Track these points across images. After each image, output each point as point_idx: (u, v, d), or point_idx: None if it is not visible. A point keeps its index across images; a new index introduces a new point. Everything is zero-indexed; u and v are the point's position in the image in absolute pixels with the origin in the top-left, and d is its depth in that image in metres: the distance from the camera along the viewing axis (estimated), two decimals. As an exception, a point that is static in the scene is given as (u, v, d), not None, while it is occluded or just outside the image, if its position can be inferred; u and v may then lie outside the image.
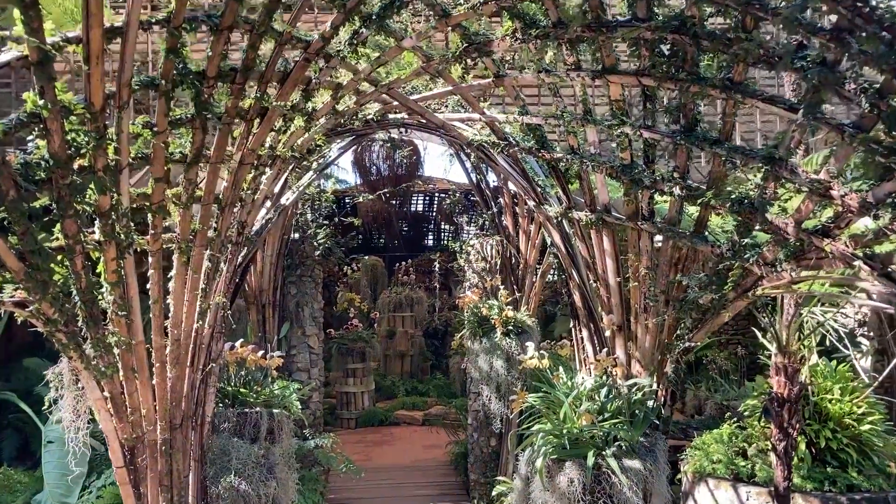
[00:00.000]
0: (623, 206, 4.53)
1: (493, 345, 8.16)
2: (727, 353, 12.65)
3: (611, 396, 4.87)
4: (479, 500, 8.69)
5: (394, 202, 24.18)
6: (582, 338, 5.49)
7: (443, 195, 26.29)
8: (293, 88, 4.10)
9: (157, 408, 4.31)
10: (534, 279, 8.62)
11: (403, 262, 16.86)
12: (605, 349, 5.06)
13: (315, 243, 8.30)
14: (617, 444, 4.60)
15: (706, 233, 4.12)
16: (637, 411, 4.75)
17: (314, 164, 5.36)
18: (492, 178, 9.01)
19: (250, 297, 8.02)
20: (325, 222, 8.33)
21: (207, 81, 3.43)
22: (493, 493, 8.16)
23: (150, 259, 3.88)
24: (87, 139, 2.88)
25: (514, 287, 8.71)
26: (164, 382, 4.28)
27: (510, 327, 8.14)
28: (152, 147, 3.41)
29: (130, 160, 3.34)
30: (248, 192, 4.65)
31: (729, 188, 3.75)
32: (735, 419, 7.10)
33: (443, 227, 26.76)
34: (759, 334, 9.25)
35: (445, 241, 26.85)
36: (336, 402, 13.39)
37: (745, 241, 3.74)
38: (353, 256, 16.31)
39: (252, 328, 8.42)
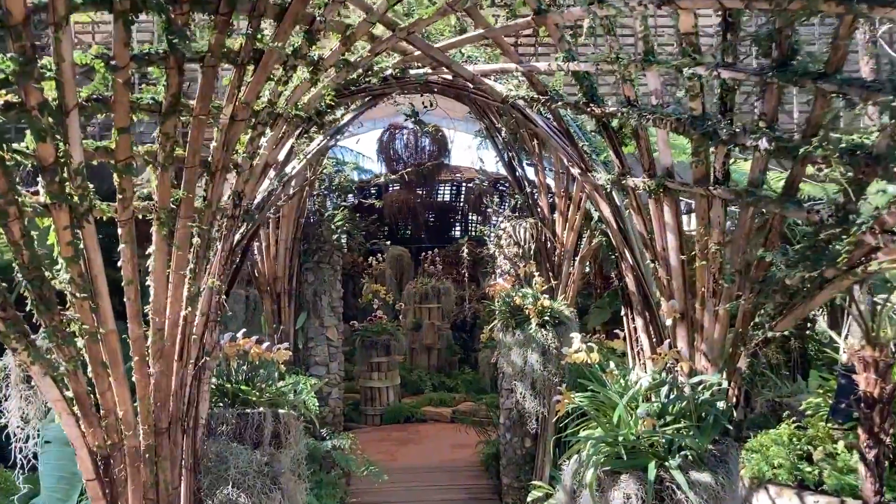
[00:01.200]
0: (692, 169, 3.75)
1: (528, 337, 7.42)
2: (776, 345, 11.81)
3: (673, 397, 4.10)
4: (512, 506, 7.98)
5: (420, 192, 23.54)
6: (635, 328, 4.72)
7: (470, 184, 25.62)
8: (292, 26, 3.39)
9: (137, 409, 3.67)
10: (571, 266, 7.85)
11: (430, 252, 16.14)
12: (667, 341, 4.29)
13: (333, 226, 7.63)
14: (682, 453, 3.84)
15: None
16: (705, 414, 3.98)
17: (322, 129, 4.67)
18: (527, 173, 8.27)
19: (263, 284, 7.38)
20: (344, 203, 7.65)
21: (180, 5, 2.74)
22: (529, 499, 7.43)
23: (119, 231, 3.21)
24: (9, 64, 2.21)
25: (550, 274, 7.94)
26: (145, 379, 3.62)
27: (546, 318, 7.39)
28: (112, 88, 2.73)
29: (81, 101, 2.67)
30: (245, 156, 3.97)
31: (837, 135, 2.96)
32: (794, 419, 6.29)
33: (470, 217, 26.06)
34: (822, 324, 8.38)
35: (473, 232, 26.20)
36: (360, 398, 12.76)
37: (856, 203, 2.95)
38: (374, 241, 15.64)
39: (266, 319, 7.79)
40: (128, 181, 3.08)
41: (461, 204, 25.39)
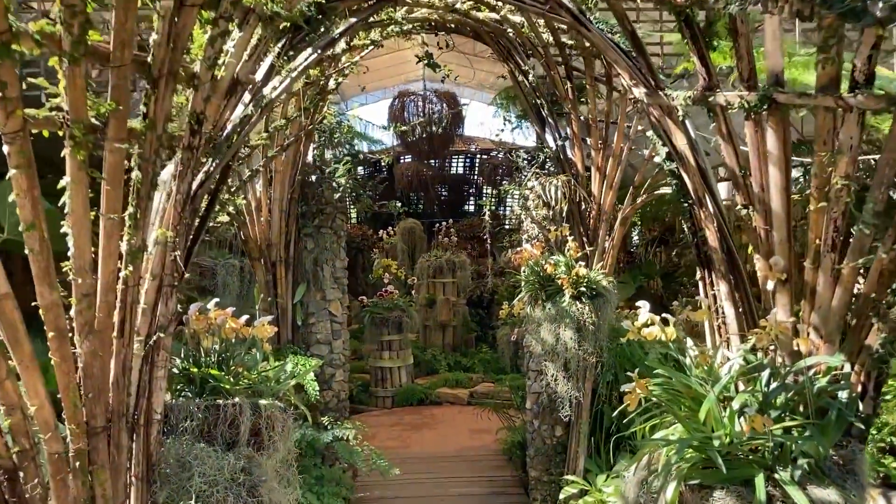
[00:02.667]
0: (817, 71, 2.69)
1: (560, 311, 6.41)
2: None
3: (776, 385, 3.08)
4: (541, 502, 7.03)
5: (432, 163, 22.52)
6: (714, 296, 3.68)
7: (484, 156, 24.56)
8: None
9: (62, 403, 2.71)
10: (610, 229, 6.81)
11: (444, 223, 15.11)
12: (774, 311, 3.25)
13: (334, 184, 6.62)
14: (800, 462, 2.83)
15: None
16: (826, 408, 2.96)
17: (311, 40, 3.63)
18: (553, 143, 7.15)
19: (254, 251, 6.39)
20: (347, 157, 6.61)
21: None
22: (561, 496, 6.49)
23: (6, 150, 2.22)
24: None
25: (584, 240, 6.91)
26: (67, 363, 2.65)
27: (581, 289, 6.37)
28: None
29: None
30: (204, 62, 2.95)
31: None
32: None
33: (485, 190, 25.04)
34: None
35: (484, 214, 25.15)
36: (370, 379, 11.85)
37: None
38: (382, 203, 14.58)
39: (260, 291, 6.82)
40: (9, 71, 2.07)
41: (475, 177, 24.36)
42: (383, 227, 17.85)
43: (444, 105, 20.66)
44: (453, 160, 24.18)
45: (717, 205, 3.48)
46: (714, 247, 3.53)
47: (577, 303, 6.39)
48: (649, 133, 6.55)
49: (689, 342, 3.50)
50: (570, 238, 6.53)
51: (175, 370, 3.59)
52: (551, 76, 6.79)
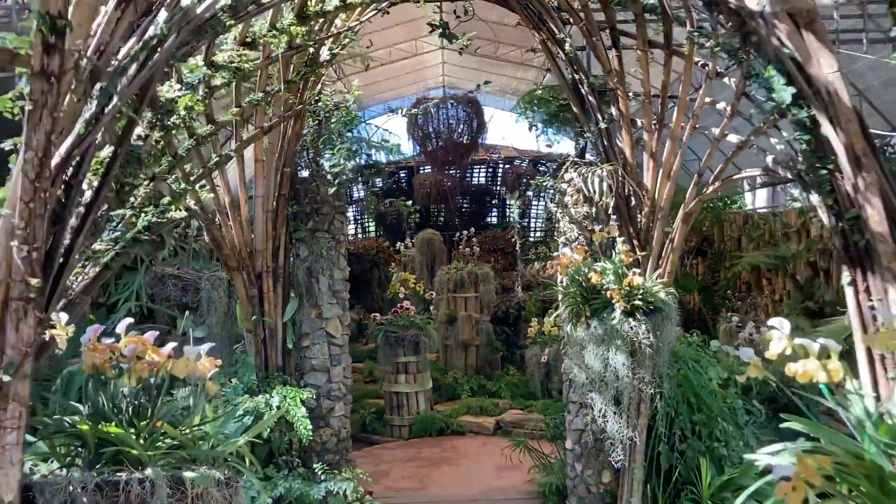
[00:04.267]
0: None
1: (610, 330, 5.16)
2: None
3: None
4: (587, 565, 5.74)
5: (453, 173, 21.47)
6: (872, 306, 2.42)
7: (507, 165, 23.46)
8: None
9: None
10: (668, 227, 5.56)
11: (465, 231, 13.89)
12: None
13: (329, 175, 5.44)
14: None
15: None
16: None
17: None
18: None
19: (231, 259, 5.23)
20: (343, 143, 5.42)
21: None
22: (613, 560, 5.20)
23: None
24: None
25: (635, 242, 5.66)
26: None
27: (636, 302, 5.12)
28: None
29: None
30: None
31: None
32: None
33: (508, 202, 23.96)
34: None
35: (510, 218, 23.98)
36: (384, 405, 10.61)
37: None
38: (390, 201, 13.39)
39: (243, 308, 5.65)
40: None
41: (498, 187, 23.24)
42: (400, 239, 16.75)
43: (465, 111, 19.59)
44: (475, 170, 23.10)
45: (882, 169, 2.23)
46: (879, 232, 2.27)
47: (631, 319, 5.13)
48: (721, 104, 5.32)
49: (850, 384, 2.23)
50: (619, 240, 5.28)
51: (46, 421, 2.40)
52: (592, 44, 5.59)
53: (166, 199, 3.71)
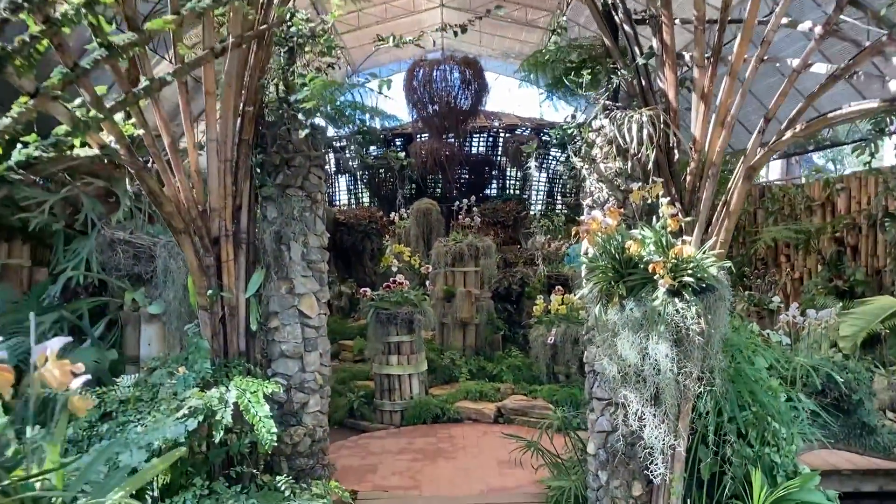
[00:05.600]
0: None
1: (649, 313, 4.12)
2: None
3: None
4: None
5: (451, 141, 20.35)
6: None
7: (509, 134, 22.43)
8: None
9: None
10: (728, 189, 4.49)
11: (465, 200, 12.79)
12: None
13: (300, 115, 4.30)
14: None
15: None
16: None
17: None
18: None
19: (175, 219, 4.12)
20: (316, 73, 4.27)
21: None
22: None
23: None
24: None
25: (678, 205, 4.60)
26: None
27: (687, 279, 4.07)
28: None
29: None
30: None
31: None
32: None
33: (508, 172, 22.96)
34: None
35: (511, 190, 22.93)
36: (374, 389, 9.63)
37: None
38: (380, 157, 12.29)
39: (195, 281, 4.59)
40: None
41: (498, 157, 22.17)
42: (395, 209, 15.70)
43: (467, 73, 18.35)
44: (474, 138, 21.99)
45: None
46: None
47: (677, 300, 4.09)
48: (804, 24, 4.21)
49: None
50: (664, 200, 4.21)
51: None
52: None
53: (63, 129, 2.65)
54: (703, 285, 4.15)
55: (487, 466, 7.48)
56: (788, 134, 4.04)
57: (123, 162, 3.43)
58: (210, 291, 4.52)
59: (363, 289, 10.12)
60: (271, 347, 4.85)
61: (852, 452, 6.35)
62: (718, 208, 4.46)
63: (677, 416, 4.42)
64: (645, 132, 4.49)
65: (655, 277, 4.11)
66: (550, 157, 22.43)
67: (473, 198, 13.55)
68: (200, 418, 4.01)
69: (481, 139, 22.33)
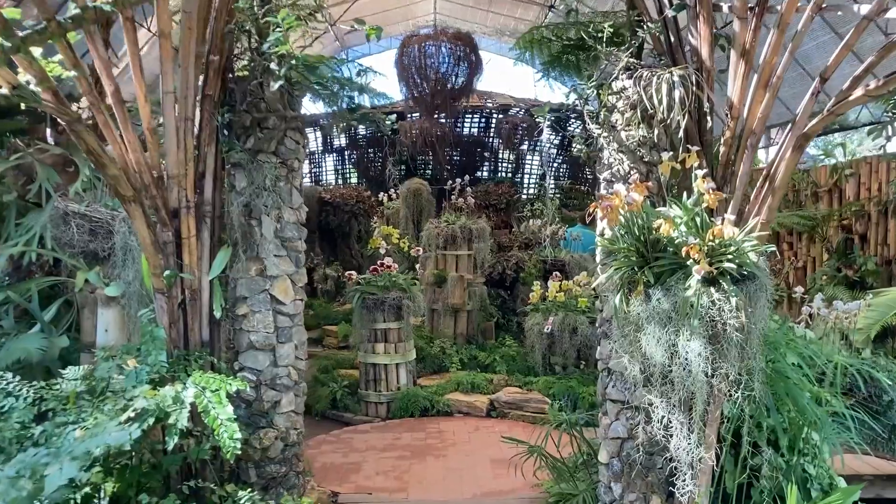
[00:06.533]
0: None
1: (681, 305, 3.51)
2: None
3: None
4: None
5: (443, 121, 19.71)
6: None
7: (502, 115, 21.83)
8: None
9: None
10: (773, 161, 3.88)
11: (459, 180, 12.14)
12: None
13: (274, 67, 3.61)
14: None
15: None
16: None
17: None
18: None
19: (123, 186, 3.44)
20: (290, 12, 3.62)
21: None
22: None
23: None
24: None
25: (711, 179, 3.98)
26: None
27: (727, 265, 3.46)
28: None
29: None
30: None
31: None
32: None
33: (501, 155, 22.38)
34: None
35: (504, 173, 22.34)
36: (359, 379, 9.03)
37: None
38: (365, 113, 11.64)
39: (147, 257, 3.92)
40: None
41: (491, 138, 21.56)
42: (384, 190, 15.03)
43: (460, 48, 17.62)
44: (466, 119, 21.34)
45: None
46: None
47: (713, 290, 3.49)
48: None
49: None
50: (699, 173, 3.59)
51: None
52: None
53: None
54: (742, 273, 3.56)
55: (480, 466, 6.91)
56: (859, 92, 3.42)
57: (48, 110, 2.76)
58: (167, 272, 3.86)
59: (349, 272, 9.48)
60: (239, 337, 4.20)
61: (880, 458, 5.82)
62: (759, 183, 3.85)
63: (704, 421, 3.84)
64: (677, 94, 3.86)
65: (689, 263, 3.50)
66: (544, 141, 21.85)
67: (467, 177, 12.89)
68: (151, 421, 3.38)
69: (473, 120, 21.71)
